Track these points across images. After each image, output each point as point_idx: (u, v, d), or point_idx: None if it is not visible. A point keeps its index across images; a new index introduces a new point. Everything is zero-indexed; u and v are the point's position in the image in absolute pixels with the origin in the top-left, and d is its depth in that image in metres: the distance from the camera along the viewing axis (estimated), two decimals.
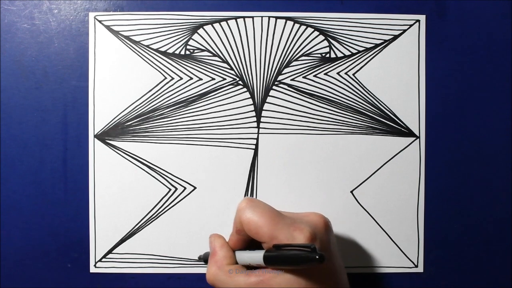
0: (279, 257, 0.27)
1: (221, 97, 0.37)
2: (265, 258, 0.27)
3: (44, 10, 0.37)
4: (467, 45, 0.38)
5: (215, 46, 0.37)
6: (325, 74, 0.38)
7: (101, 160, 0.37)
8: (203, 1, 0.37)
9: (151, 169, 0.37)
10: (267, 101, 0.38)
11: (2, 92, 0.37)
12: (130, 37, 0.37)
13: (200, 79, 0.37)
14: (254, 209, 0.29)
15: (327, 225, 0.30)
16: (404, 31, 0.38)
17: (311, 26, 0.37)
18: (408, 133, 0.38)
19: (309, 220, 0.29)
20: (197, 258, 0.37)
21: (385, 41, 0.38)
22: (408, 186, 0.38)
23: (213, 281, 0.30)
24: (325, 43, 0.38)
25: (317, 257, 0.24)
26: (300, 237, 0.27)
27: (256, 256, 0.28)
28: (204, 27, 0.37)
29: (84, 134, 0.37)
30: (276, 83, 0.38)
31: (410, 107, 0.38)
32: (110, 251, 0.37)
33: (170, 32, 0.37)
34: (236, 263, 0.31)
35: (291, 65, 0.38)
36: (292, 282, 0.27)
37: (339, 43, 0.38)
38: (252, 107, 0.37)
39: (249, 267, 0.30)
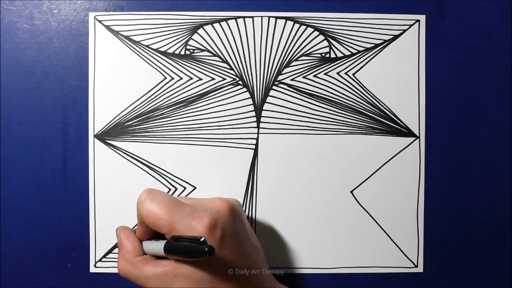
0: (176, 249, 0.27)
1: (221, 97, 0.37)
2: (165, 249, 0.27)
3: (44, 10, 0.37)
4: (467, 45, 0.38)
5: (215, 46, 0.37)
6: (325, 74, 0.38)
7: (101, 160, 0.37)
8: (203, 1, 0.37)
9: (151, 169, 0.37)
10: (267, 101, 0.38)
11: (2, 92, 0.37)
12: (130, 37, 0.37)
13: (200, 79, 0.37)
14: (152, 200, 0.29)
15: (231, 209, 0.29)
16: (404, 31, 0.38)
17: (311, 26, 0.37)
18: (408, 133, 0.38)
19: (211, 207, 0.29)
20: None
21: (385, 41, 0.38)
22: (408, 186, 0.38)
23: (124, 275, 0.30)
24: (325, 43, 0.38)
25: (206, 249, 0.24)
26: (199, 226, 0.27)
27: (158, 247, 0.28)
28: (204, 27, 0.37)
29: (84, 134, 0.37)
30: (276, 83, 0.38)
31: (410, 107, 0.38)
32: (110, 251, 0.37)
33: (170, 32, 0.37)
34: (145, 253, 0.31)
35: (291, 65, 0.38)
36: (195, 271, 0.27)
37: (339, 43, 0.38)
38: (252, 107, 0.37)
39: (158, 257, 0.30)
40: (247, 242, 0.30)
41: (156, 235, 0.31)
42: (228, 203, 0.30)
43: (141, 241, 0.32)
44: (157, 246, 0.29)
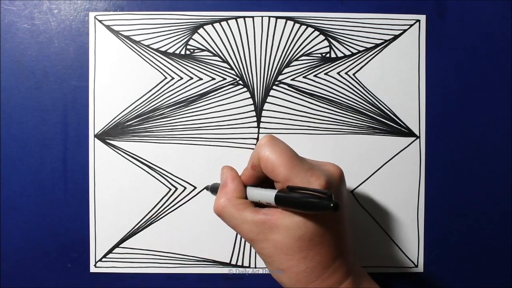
0: (291, 199, 0.26)
1: (221, 97, 0.37)
2: (277, 198, 0.26)
3: (44, 10, 0.37)
4: (467, 45, 0.38)
5: (215, 46, 0.37)
6: (325, 74, 0.38)
7: (101, 160, 0.37)
8: (203, 1, 0.37)
9: (151, 169, 0.37)
10: (267, 101, 0.38)
11: (2, 92, 0.37)
12: (130, 37, 0.37)
13: (200, 79, 0.37)
14: (274, 147, 0.28)
15: (342, 176, 0.29)
16: (404, 31, 0.38)
17: (311, 26, 0.37)
18: (408, 133, 0.38)
19: (326, 169, 0.28)
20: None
21: (385, 41, 0.38)
22: (408, 186, 0.38)
23: (220, 212, 0.29)
24: (325, 43, 0.38)
25: (331, 205, 0.23)
26: (315, 183, 0.27)
27: (267, 195, 0.27)
28: (204, 27, 0.37)
29: (84, 134, 0.37)
30: (276, 83, 0.38)
31: (410, 107, 0.38)
32: (110, 251, 0.37)
33: (170, 32, 0.37)
34: (246, 198, 0.30)
35: (291, 65, 0.38)
36: (300, 225, 0.26)
37: (339, 43, 0.38)
38: (252, 107, 0.37)
39: (258, 205, 0.29)
40: (347, 212, 0.29)
41: (260, 185, 0.30)
42: (341, 170, 0.29)
43: (245, 186, 0.31)
44: (265, 194, 0.28)
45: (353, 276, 0.29)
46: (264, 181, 0.30)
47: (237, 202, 0.29)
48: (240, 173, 0.31)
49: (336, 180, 0.28)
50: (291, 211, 0.27)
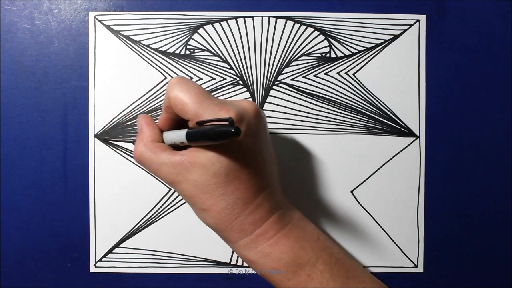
0: (199, 133, 0.26)
1: (221, 97, 0.37)
2: (188, 134, 0.27)
3: (44, 10, 0.37)
4: (467, 45, 0.38)
5: (215, 46, 0.37)
6: (325, 74, 0.38)
7: (101, 160, 0.37)
8: (203, 1, 0.37)
9: None
10: (267, 101, 0.38)
11: (2, 92, 0.37)
12: (130, 36, 0.37)
13: (200, 78, 0.37)
14: (183, 86, 0.28)
15: (257, 110, 0.28)
16: (404, 31, 0.38)
17: (311, 26, 0.37)
18: (408, 133, 0.38)
19: (238, 104, 0.28)
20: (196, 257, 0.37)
21: (385, 41, 0.38)
22: (408, 186, 0.38)
23: (139, 158, 0.29)
24: (325, 43, 0.38)
25: (232, 130, 0.23)
26: (225, 116, 0.26)
27: (180, 134, 0.28)
28: (204, 27, 0.37)
29: (84, 134, 0.37)
30: (276, 83, 0.38)
31: (410, 107, 0.38)
32: (110, 251, 0.37)
33: (170, 32, 0.37)
34: (163, 142, 0.30)
35: (291, 65, 0.38)
36: (214, 160, 0.26)
37: (339, 43, 0.38)
38: None
39: (177, 148, 0.29)
40: (266, 147, 0.29)
41: (176, 128, 0.30)
42: (255, 105, 0.29)
43: (161, 131, 0.31)
44: (178, 134, 0.28)
45: (280, 212, 0.29)
46: (181, 125, 0.30)
47: (153, 146, 0.29)
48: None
49: (249, 114, 0.28)
50: (204, 147, 0.27)
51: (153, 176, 0.37)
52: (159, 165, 0.28)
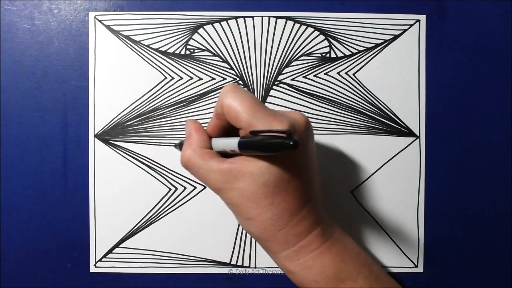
0: (253, 143, 0.25)
1: None
2: (240, 143, 0.26)
3: (44, 10, 0.37)
4: (467, 45, 0.38)
5: (215, 46, 0.37)
6: (325, 74, 0.38)
7: (101, 160, 0.37)
8: (203, 1, 0.37)
9: (151, 169, 0.37)
10: (267, 101, 0.38)
11: (2, 92, 0.37)
12: (130, 36, 0.37)
13: (200, 78, 0.37)
14: (237, 94, 0.28)
15: (307, 124, 0.29)
16: (404, 31, 0.38)
17: (311, 26, 0.37)
18: (408, 133, 0.38)
19: (290, 116, 0.28)
20: (195, 257, 0.37)
21: (385, 41, 0.38)
22: (408, 186, 0.38)
23: (186, 163, 0.29)
24: (325, 43, 0.38)
25: (291, 143, 0.23)
26: (278, 128, 0.26)
27: (231, 142, 0.27)
28: (204, 27, 0.37)
29: (84, 134, 0.37)
30: (276, 83, 0.38)
31: (410, 107, 0.38)
32: (110, 251, 0.37)
33: (170, 32, 0.37)
34: (212, 149, 0.30)
35: (291, 65, 0.38)
36: (264, 170, 0.26)
37: (339, 43, 0.38)
38: None
39: (225, 156, 0.29)
40: (313, 161, 0.29)
41: (224, 135, 0.30)
42: (306, 117, 0.29)
43: (210, 137, 0.30)
44: (229, 141, 0.28)
45: (323, 225, 0.29)
46: (230, 133, 0.30)
47: (202, 152, 0.29)
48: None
49: (300, 126, 0.28)
50: (255, 156, 0.26)
51: (153, 176, 0.37)
52: (207, 171, 0.28)
